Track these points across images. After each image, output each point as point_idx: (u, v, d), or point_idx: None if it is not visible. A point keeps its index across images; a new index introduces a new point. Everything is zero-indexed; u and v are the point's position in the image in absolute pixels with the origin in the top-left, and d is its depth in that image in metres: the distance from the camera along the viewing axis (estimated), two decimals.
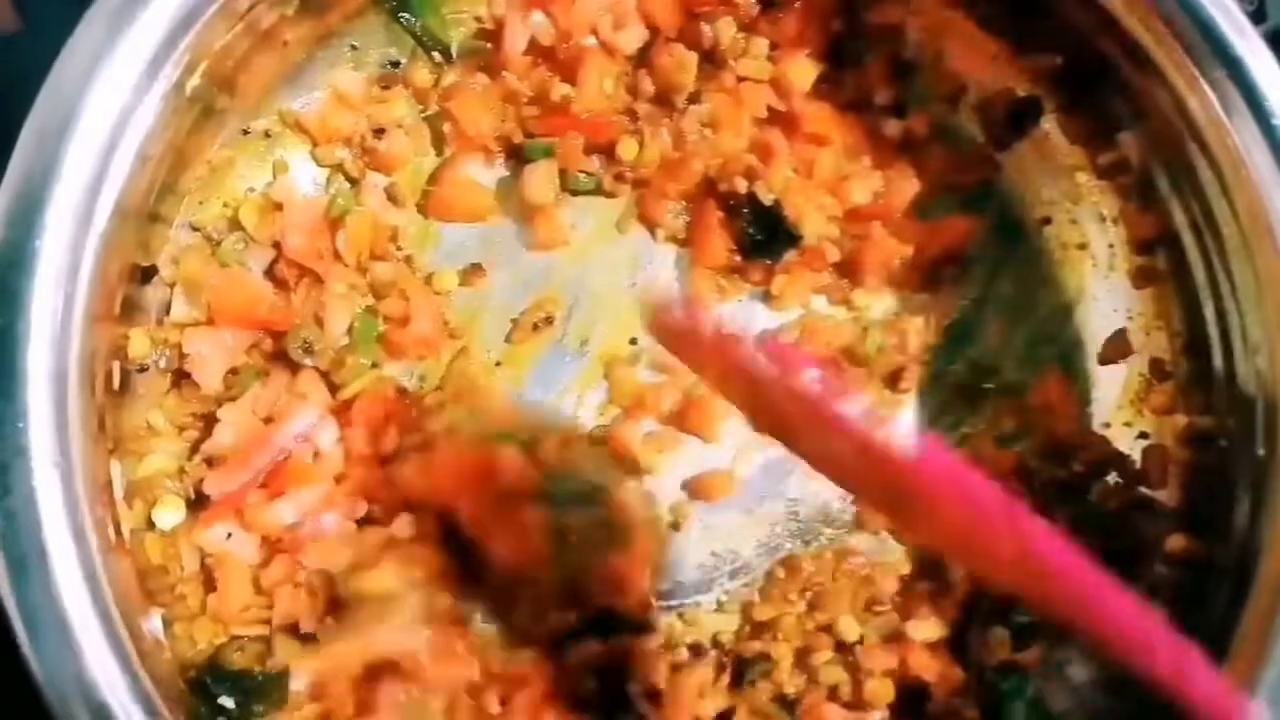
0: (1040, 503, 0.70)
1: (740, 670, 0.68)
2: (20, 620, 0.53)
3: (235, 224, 0.68)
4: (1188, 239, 0.69)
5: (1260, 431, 0.63)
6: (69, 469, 0.55)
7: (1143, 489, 0.69)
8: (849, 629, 0.68)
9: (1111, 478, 0.70)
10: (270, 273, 0.68)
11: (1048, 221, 0.74)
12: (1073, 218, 0.74)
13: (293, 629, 0.64)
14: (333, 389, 0.68)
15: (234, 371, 0.67)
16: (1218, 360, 0.68)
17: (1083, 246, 0.73)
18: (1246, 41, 0.61)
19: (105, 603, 0.55)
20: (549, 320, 0.71)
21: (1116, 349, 0.72)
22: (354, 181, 0.71)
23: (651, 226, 0.72)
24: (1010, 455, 0.71)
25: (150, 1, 0.57)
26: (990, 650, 0.68)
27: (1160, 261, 0.72)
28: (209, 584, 0.64)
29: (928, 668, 0.67)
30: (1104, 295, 0.73)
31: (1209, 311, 0.68)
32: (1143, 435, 0.71)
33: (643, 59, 0.72)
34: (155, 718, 0.54)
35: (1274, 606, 0.58)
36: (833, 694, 0.69)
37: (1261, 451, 0.62)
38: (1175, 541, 0.67)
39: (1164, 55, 0.63)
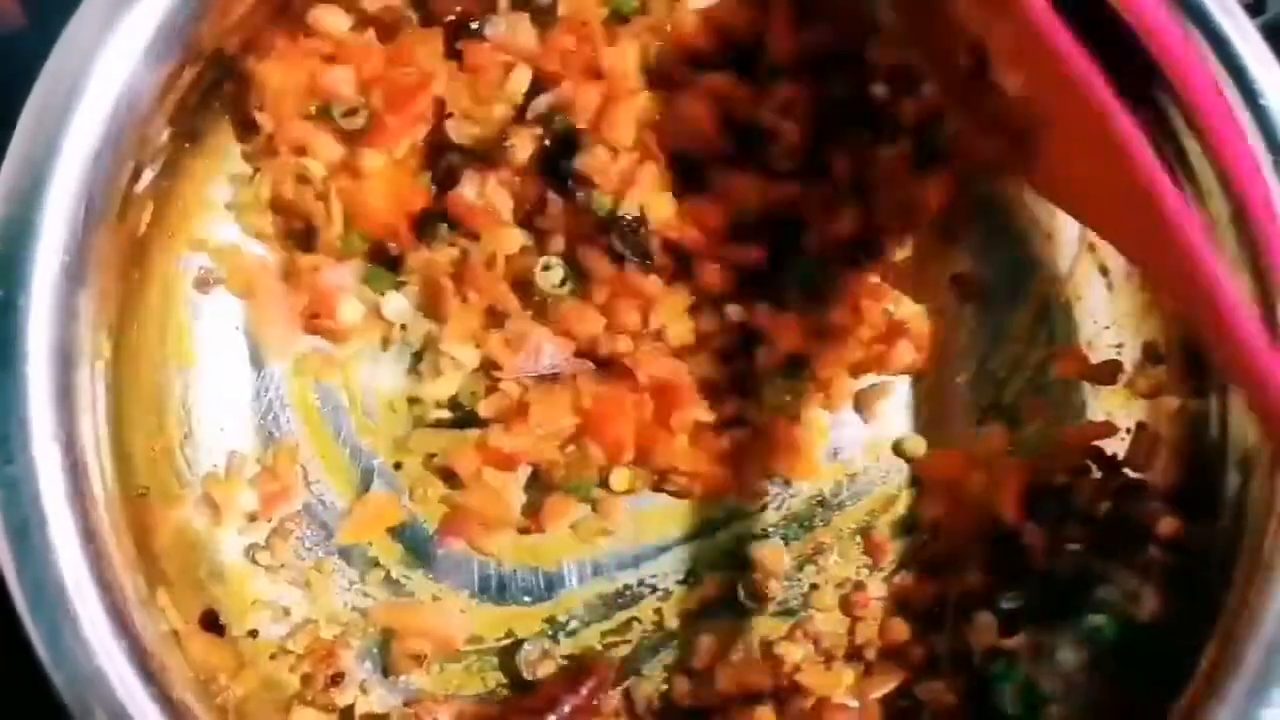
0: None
1: None
2: (18, 586, 0.54)
3: None
4: None
5: (1248, 409, 0.63)
6: (69, 440, 0.56)
7: (1129, 472, 0.69)
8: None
9: (1094, 472, 0.71)
10: None
11: None
12: None
13: None
14: None
15: None
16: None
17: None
18: (1234, 21, 0.61)
19: (103, 570, 0.56)
20: None
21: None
22: None
23: None
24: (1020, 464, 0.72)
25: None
26: (977, 635, 0.69)
27: None
28: None
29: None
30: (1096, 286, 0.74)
31: None
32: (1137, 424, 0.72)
33: None
34: (149, 683, 0.55)
35: (1260, 588, 0.58)
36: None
37: (1248, 430, 0.62)
38: (1167, 524, 0.67)
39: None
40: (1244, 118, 0.62)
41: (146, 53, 0.59)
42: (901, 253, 0.75)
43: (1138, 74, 0.64)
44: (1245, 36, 0.61)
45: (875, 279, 0.74)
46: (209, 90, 0.66)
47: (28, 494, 0.55)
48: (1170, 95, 0.64)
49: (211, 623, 0.66)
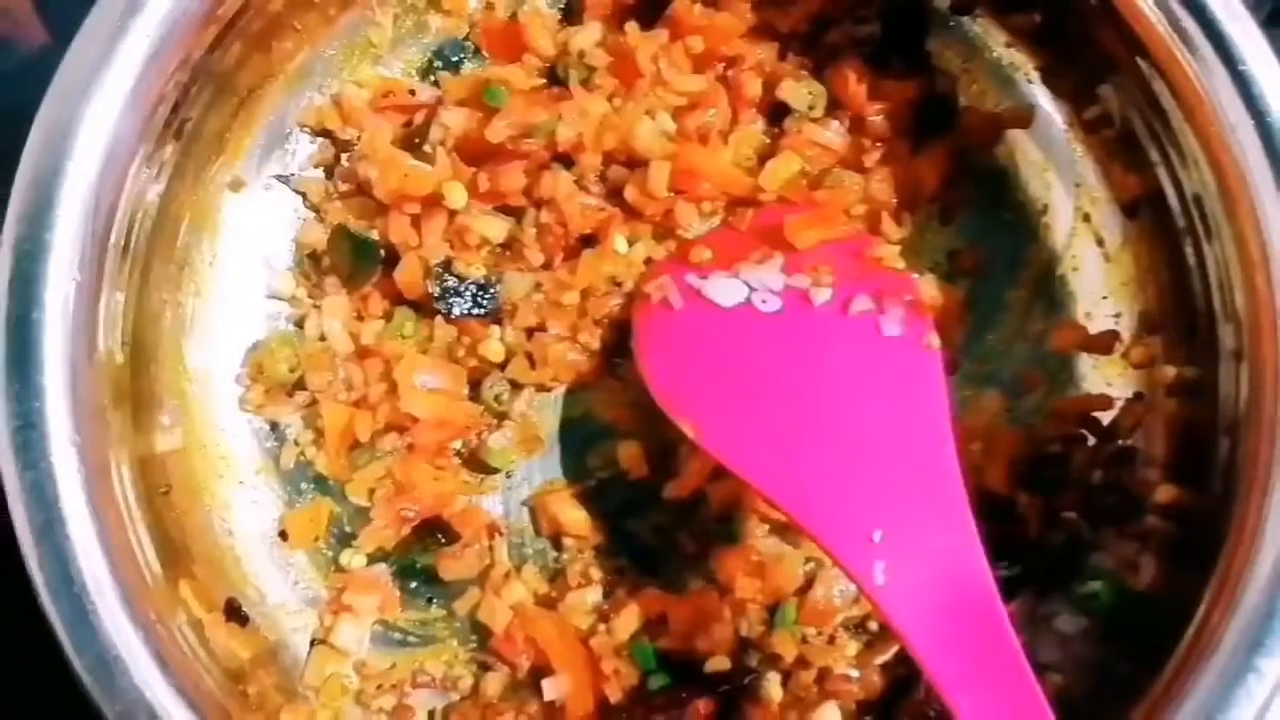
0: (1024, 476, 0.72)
1: None
2: (42, 581, 0.57)
3: None
4: (1170, 193, 0.69)
5: (1238, 379, 0.63)
6: (86, 445, 0.60)
7: (1120, 442, 0.70)
8: None
9: (1088, 440, 0.71)
10: None
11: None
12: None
13: None
14: None
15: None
16: (1201, 311, 0.67)
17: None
18: (1242, 27, 0.61)
19: (122, 565, 0.59)
20: None
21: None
22: None
23: None
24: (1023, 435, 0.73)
25: (144, 9, 0.61)
26: None
27: (1146, 220, 0.72)
28: None
29: None
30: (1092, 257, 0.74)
31: (1192, 263, 0.68)
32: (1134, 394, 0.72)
33: None
34: (167, 670, 0.58)
35: (1249, 553, 0.58)
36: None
37: (1240, 399, 0.62)
38: (1165, 492, 0.68)
39: (1128, 2, 0.63)
40: (1226, 81, 0.61)
41: (146, 69, 0.62)
42: (900, 232, 0.75)
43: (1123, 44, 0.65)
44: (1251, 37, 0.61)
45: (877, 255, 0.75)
46: (210, 106, 0.69)
47: (49, 496, 0.58)
48: (1153, 65, 0.64)
49: (234, 612, 0.69)
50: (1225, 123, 0.61)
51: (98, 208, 0.61)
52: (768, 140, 0.76)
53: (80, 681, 0.57)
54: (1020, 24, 0.74)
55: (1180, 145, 0.65)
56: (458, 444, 0.75)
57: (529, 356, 0.74)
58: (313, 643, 0.72)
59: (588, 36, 0.75)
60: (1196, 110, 0.62)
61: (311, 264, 0.75)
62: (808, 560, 0.72)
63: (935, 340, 0.67)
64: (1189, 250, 0.68)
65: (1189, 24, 0.62)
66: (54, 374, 0.59)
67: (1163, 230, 0.70)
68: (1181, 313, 0.69)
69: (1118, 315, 0.74)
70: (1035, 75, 0.76)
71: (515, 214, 0.74)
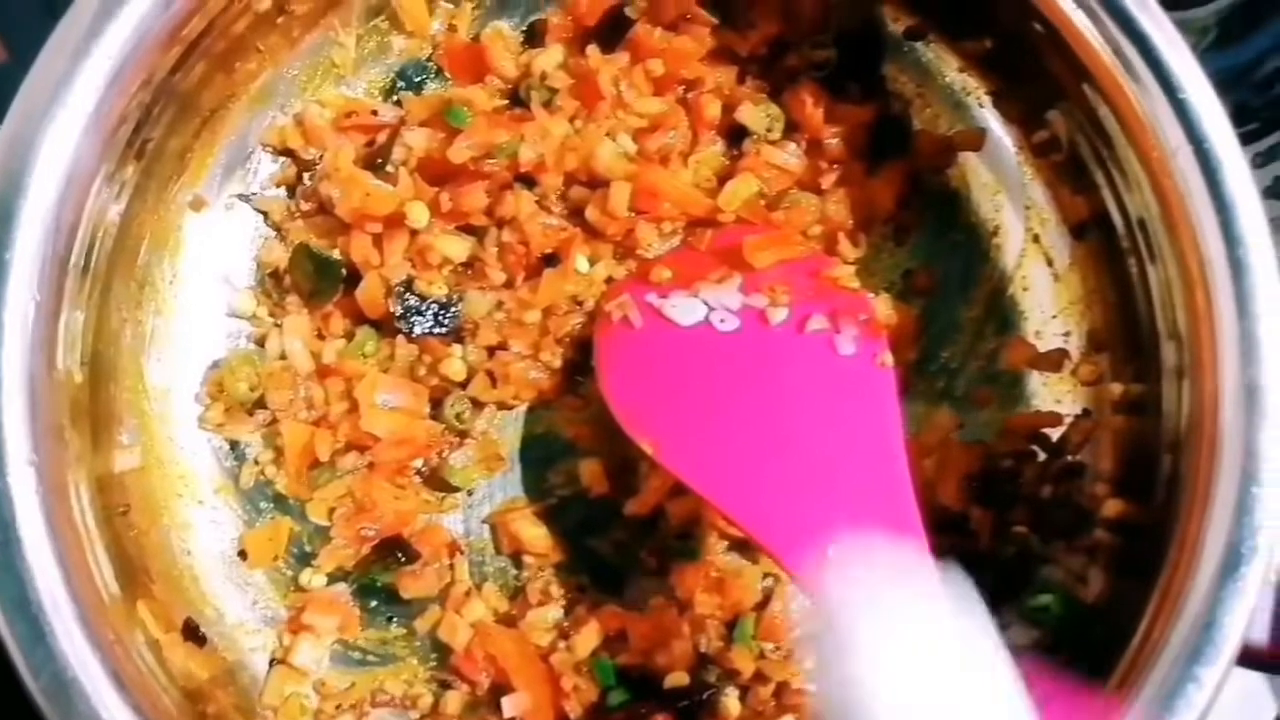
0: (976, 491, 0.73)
1: None
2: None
3: None
4: (1115, 216, 0.71)
5: (1180, 396, 0.65)
6: (43, 464, 0.60)
7: (1069, 458, 0.71)
8: None
9: (1038, 456, 0.73)
10: None
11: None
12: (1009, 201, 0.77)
13: None
14: None
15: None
16: (1145, 330, 0.69)
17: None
18: (1149, 16, 0.63)
19: (79, 585, 0.59)
20: None
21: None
22: None
23: None
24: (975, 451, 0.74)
25: (107, 30, 0.62)
26: None
27: (1093, 241, 0.74)
28: None
29: None
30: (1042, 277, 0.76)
31: (1137, 283, 0.70)
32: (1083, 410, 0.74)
33: None
34: (124, 690, 0.58)
35: (1189, 565, 0.60)
36: None
37: (1182, 416, 0.64)
38: (1112, 507, 0.69)
39: (1073, 31, 0.65)
40: (1166, 108, 0.63)
41: (108, 89, 0.62)
42: (856, 252, 0.77)
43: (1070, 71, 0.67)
44: (1160, 28, 0.63)
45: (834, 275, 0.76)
46: (172, 125, 0.69)
47: (6, 516, 0.58)
48: (1098, 91, 0.66)
49: (192, 632, 0.69)
50: (1166, 148, 0.63)
51: (58, 227, 0.61)
52: (727, 162, 0.77)
53: (35, 703, 0.57)
54: (972, 50, 0.76)
55: (1124, 169, 0.67)
56: (418, 462, 0.75)
57: (490, 375, 0.75)
58: (272, 662, 0.72)
59: (550, 59, 0.76)
60: (1139, 135, 0.64)
61: (273, 283, 0.76)
62: (766, 576, 0.73)
63: (889, 358, 0.68)
64: (1134, 270, 0.70)
65: (1131, 53, 0.64)
66: (12, 393, 0.59)
67: (1109, 251, 0.72)
68: (1127, 331, 0.71)
69: (1067, 334, 0.76)
70: (986, 100, 0.78)
71: (477, 233, 0.75)
